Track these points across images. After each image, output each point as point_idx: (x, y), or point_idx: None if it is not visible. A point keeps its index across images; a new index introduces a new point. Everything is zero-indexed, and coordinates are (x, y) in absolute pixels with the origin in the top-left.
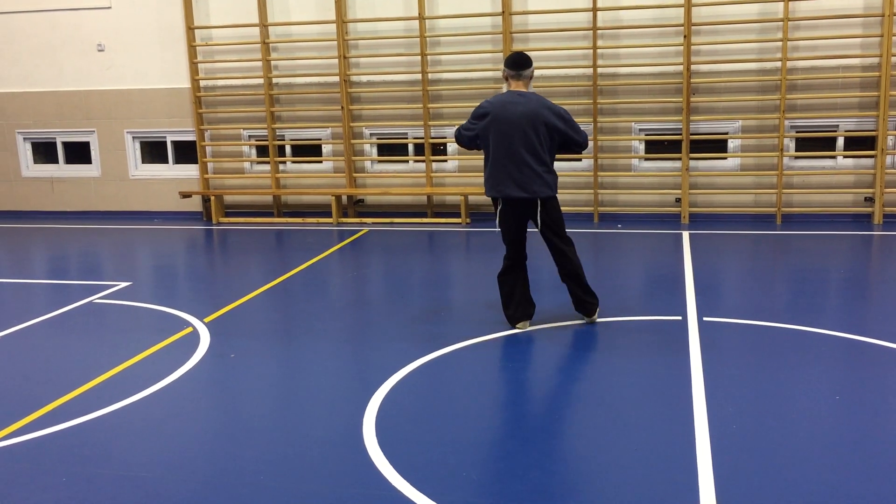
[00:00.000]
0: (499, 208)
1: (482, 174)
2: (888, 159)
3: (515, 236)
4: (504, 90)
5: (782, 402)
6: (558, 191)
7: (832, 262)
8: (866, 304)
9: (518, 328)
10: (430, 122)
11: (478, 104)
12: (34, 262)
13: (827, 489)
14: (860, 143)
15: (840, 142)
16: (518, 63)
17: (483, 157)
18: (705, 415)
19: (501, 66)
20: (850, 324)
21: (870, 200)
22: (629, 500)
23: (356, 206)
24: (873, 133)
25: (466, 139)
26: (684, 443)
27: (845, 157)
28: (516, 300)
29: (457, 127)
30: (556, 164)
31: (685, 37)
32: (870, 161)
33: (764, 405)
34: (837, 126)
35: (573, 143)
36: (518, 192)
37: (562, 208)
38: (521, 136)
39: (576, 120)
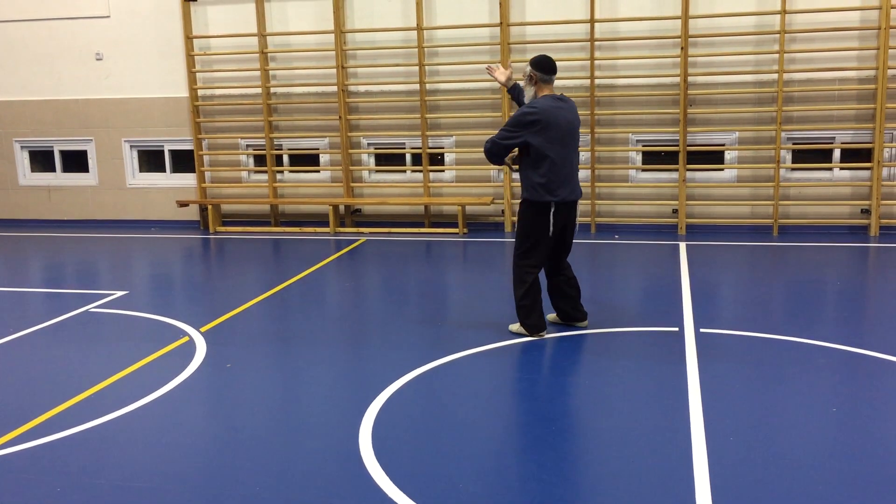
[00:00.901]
0: (551, 212)
1: (479, 184)
2: (885, 171)
3: (554, 243)
4: (531, 93)
5: (779, 413)
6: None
7: (829, 273)
8: (863, 315)
9: (539, 336)
10: (428, 133)
11: (526, 111)
12: (31, 271)
13: (822, 501)
14: (857, 155)
15: (836, 154)
16: (552, 67)
17: (519, 164)
18: (702, 426)
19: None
20: (846, 336)
21: (866, 212)
22: None
23: (353, 216)
24: (870, 145)
25: (504, 149)
26: (681, 454)
27: (842, 168)
28: (538, 309)
29: (489, 140)
30: None
31: (682, 48)
32: (866, 173)
33: (760, 417)
34: (834, 138)
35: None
36: (572, 195)
37: None
38: (571, 140)
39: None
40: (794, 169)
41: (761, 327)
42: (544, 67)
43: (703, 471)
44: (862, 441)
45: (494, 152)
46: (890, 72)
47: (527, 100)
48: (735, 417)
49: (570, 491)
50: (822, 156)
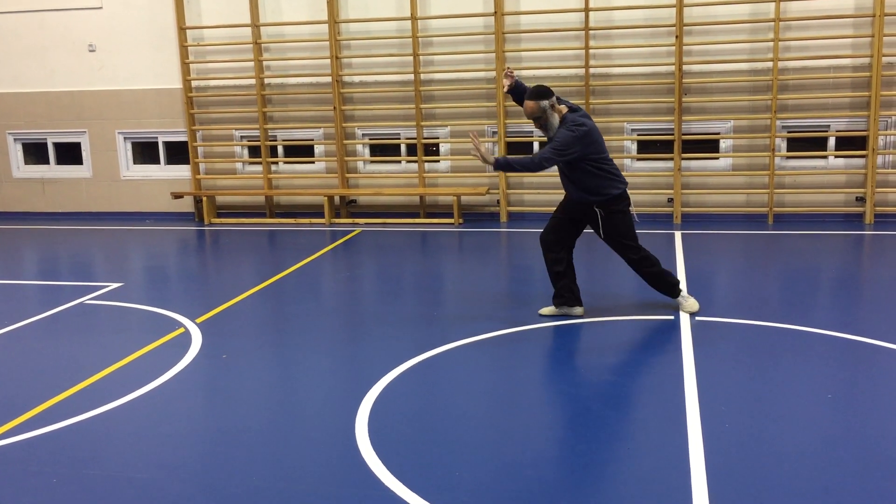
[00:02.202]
0: (628, 206)
1: (474, 174)
2: (879, 159)
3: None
4: (555, 119)
5: (775, 400)
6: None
7: (824, 261)
8: (858, 303)
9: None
10: (423, 123)
11: (574, 127)
12: (25, 264)
13: (819, 487)
14: (851, 143)
15: (831, 142)
16: (550, 90)
17: (573, 180)
18: (698, 413)
19: (494, 67)
20: (841, 323)
21: (861, 200)
22: (623, 498)
23: (349, 207)
24: (864, 133)
25: (555, 164)
26: (677, 441)
27: (836, 156)
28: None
29: (538, 158)
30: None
31: (677, 37)
32: (861, 161)
33: (756, 404)
34: (829, 126)
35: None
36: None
37: (552, 208)
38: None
39: None
40: (788, 157)
41: (757, 315)
42: (548, 92)
43: (699, 457)
44: (858, 427)
45: (542, 168)
46: (884, 59)
47: (552, 128)
48: (731, 404)
49: (567, 479)
50: (817, 144)
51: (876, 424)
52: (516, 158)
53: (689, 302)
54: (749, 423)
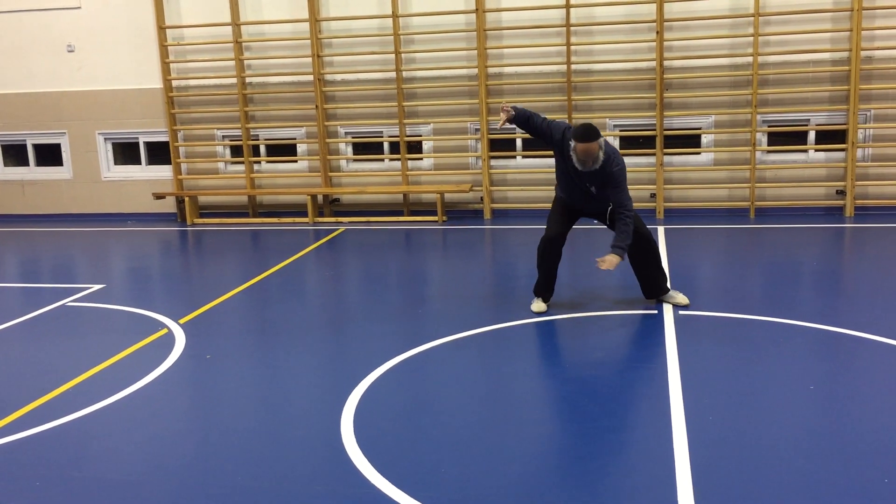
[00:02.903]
0: None
1: (457, 172)
2: (859, 152)
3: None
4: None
5: (757, 392)
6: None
7: (805, 254)
8: (839, 295)
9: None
10: (405, 121)
11: (620, 163)
12: (6, 266)
13: (801, 477)
14: (831, 137)
15: (811, 136)
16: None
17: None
18: (682, 406)
19: (475, 64)
20: (823, 315)
21: (841, 193)
22: (608, 491)
23: (332, 206)
24: (844, 127)
25: None
26: (662, 434)
27: (817, 150)
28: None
29: (631, 211)
30: (529, 161)
31: (657, 33)
32: (841, 154)
33: (739, 396)
34: (808, 120)
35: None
36: None
37: (536, 205)
38: None
39: (551, 116)
40: (769, 151)
41: (739, 308)
42: (598, 130)
43: (683, 450)
44: (839, 418)
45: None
46: (863, 53)
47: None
48: (714, 397)
49: (553, 474)
50: (798, 138)
51: (857, 415)
52: (623, 239)
53: (679, 296)
54: (732, 416)
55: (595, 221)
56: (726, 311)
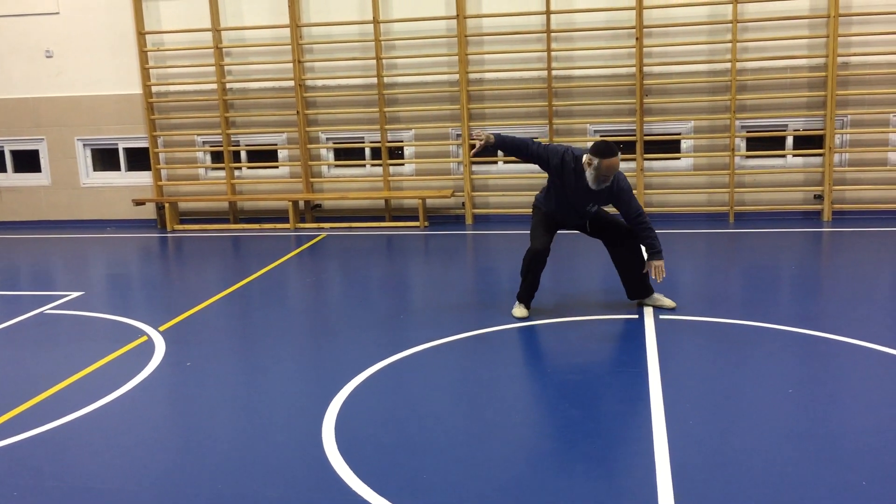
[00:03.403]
0: None
1: (439, 177)
2: (836, 157)
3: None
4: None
5: (737, 396)
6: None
7: (784, 258)
8: (817, 299)
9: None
10: (387, 126)
11: (623, 178)
12: None
13: (780, 479)
14: (809, 142)
15: (789, 141)
16: (593, 145)
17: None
18: (662, 410)
19: (457, 70)
20: (801, 319)
21: (819, 198)
22: (590, 495)
23: (313, 212)
24: (821, 132)
25: None
26: (643, 438)
27: (795, 155)
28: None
29: (648, 220)
30: (510, 167)
31: (637, 39)
32: (818, 159)
33: (719, 400)
34: (786, 125)
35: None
36: None
37: (518, 210)
38: None
39: (532, 122)
40: (748, 156)
41: (719, 313)
42: (612, 148)
43: (663, 454)
44: (817, 420)
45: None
46: (839, 59)
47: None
48: (694, 401)
49: (534, 478)
50: (776, 143)
51: (835, 418)
52: (655, 244)
53: (666, 300)
54: (713, 419)
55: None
56: (706, 316)
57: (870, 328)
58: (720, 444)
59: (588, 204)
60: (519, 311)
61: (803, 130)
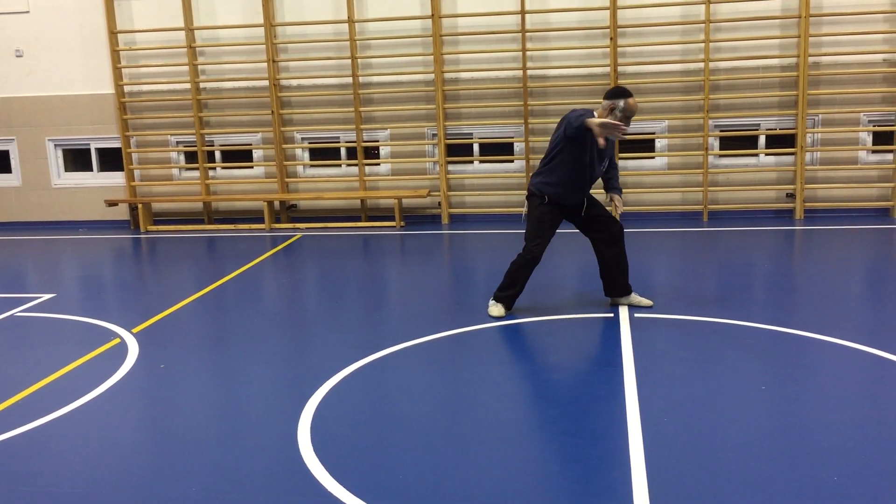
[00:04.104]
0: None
1: (415, 177)
2: (807, 156)
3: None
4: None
5: (711, 393)
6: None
7: (757, 257)
8: (790, 296)
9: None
10: (363, 126)
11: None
12: None
13: (753, 476)
14: (781, 141)
15: (762, 140)
16: (607, 92)
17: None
18: (637, 408)
19: (432, 69)
20: (774, 316)
21: (791, 196)
22: (566, 494)
23: (289, 212)
24: (793, 131)
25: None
26: (618, 436)
27: (767, 154)
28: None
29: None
30: (486, 166)
31: (611, 39)
32: (790, 158)
33: (693, 397)
34: (759, 125)
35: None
36: None
37: (494, 210)
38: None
39: (507, 122)
40: (721, 156)
41: (694, 311)
42: (622, 93)
43: (638, 451)
44: (789, 417)
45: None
46: (810, 59)
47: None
48: (669, 398)
49: (511, 478)
50: (748, 142)
51: (807, 415)
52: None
53: (643, 299)
54: (687, 417)
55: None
56: (681, 314)
57: (841, 325)
58: (694, 442)
59: (603, 161)
60: (497, 310)
61: (775, 130)
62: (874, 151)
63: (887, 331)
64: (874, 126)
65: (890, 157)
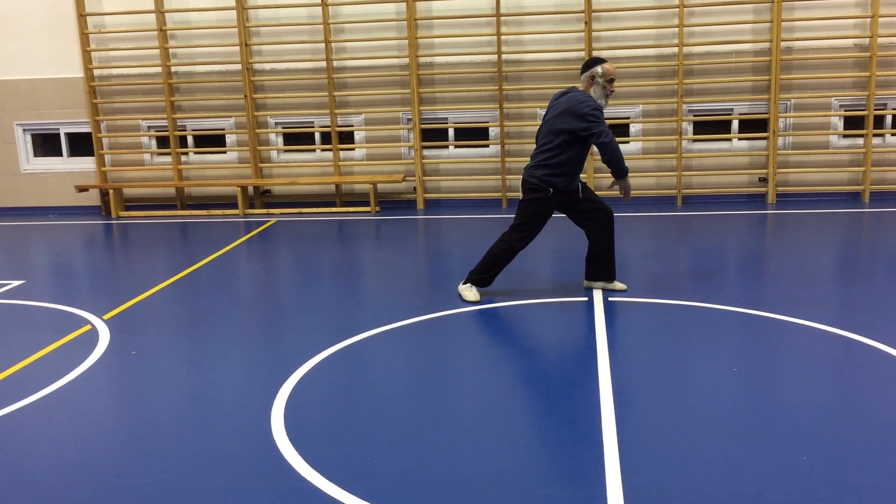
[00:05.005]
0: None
1: (390, 162)
2: (780, 141)
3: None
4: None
5: (683, 375)
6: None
7: (730, 240)
8: (762, 280)
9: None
10: (337, 111)
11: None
12: None
13: (725, 456)
14: (753, 126)
15: (735, 125)
16: (582, 66)
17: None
18: (611, 390)
19: (407, 53)
20: (746, 299)
21: (763, 181)
22: (539, 477)
23: (263, 197)
24: (765, 116)
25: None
26: (591, 419)
27: (740, 139)
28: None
29: (610, 136)
30: (461, 151)
31: (586, 23)
32: (763, 143)
33: (666, 380)
34: (732, 109)
35: (594, 143)
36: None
37: (469, 194)
38: (544, 127)
39: (482, 106)
40: (695, 140)
41: (666, 294)
42: (595, 61)
43: (611, 433)
44: (760, 398)
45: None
46: (783, 44)
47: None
48: (642, 381)
49: (484, 462)
50: (722, 127)
51: (778, 396)
52: (616, 159)
53: (618, 283)
54: (659, 400)
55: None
56: (655, 297)
57: (811, 307)
58: (667, 423)
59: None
60: (472, 294)
61: (748, 114)
62: (845, 136)
63: (856, 313)
64: (845, 111)
65: (861, 141)
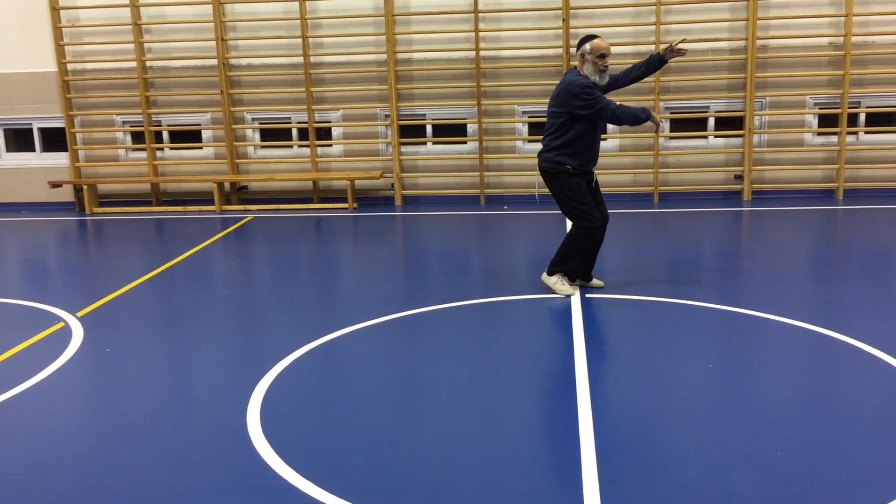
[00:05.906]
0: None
1: (367, 159)
2: (755, 138)
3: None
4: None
5: (660, 372)
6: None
7: (706, 237)
8: (737, 276)
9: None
10: (314, 106)
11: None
12: None
13: (699, 451)
14: (729, 124)
15: (711, 122)
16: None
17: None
18: (587, 388)
19: (384, 49)
20: (722, 296)
21: (739, 178)
22: (516, 474)
23: (240, 193)
24: (741, 113)
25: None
26: (568, 416)
27: (716, 136)
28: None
29: (611, 107)
30: (439, 147)
31: (564, 20)
32: (739, 140)
33: (642, 376)
34: (708, 107)
35: (600, 118)
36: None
37: (447, 191)
38: (548, 112)
39: (460, 102)
40: (672, 137)
41: (643, 291)
42: (585, 38)
43: (588, 430)
44: (735, 394)
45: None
46: (758, 42)
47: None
48: (618, 377)
49: (461, 458)
50: (698, 124)
51: (752, 391)
52: (628, 120)
53: (596, 280)
54: (635, 396)
55: (505, 206)
56: (631, 294)
57: (786, 304)
58: (643, 419)
59: (599, 122)
60: (566, 287)
61: (724, 112)
62: (819, 134)
63: (830, 309)
64: (819, 109)
65: (835, 139)
